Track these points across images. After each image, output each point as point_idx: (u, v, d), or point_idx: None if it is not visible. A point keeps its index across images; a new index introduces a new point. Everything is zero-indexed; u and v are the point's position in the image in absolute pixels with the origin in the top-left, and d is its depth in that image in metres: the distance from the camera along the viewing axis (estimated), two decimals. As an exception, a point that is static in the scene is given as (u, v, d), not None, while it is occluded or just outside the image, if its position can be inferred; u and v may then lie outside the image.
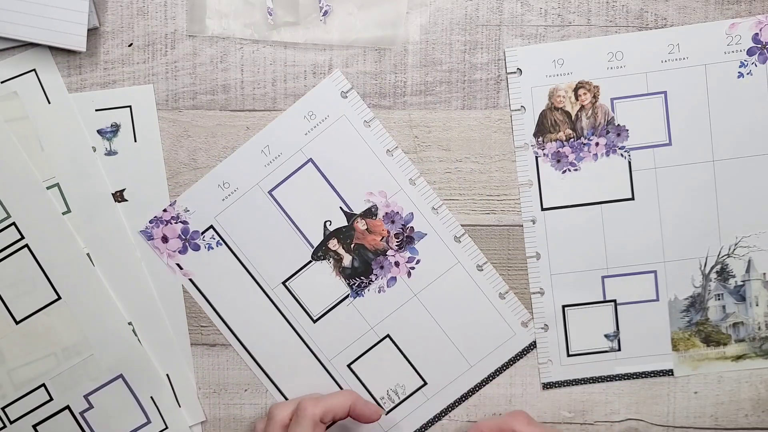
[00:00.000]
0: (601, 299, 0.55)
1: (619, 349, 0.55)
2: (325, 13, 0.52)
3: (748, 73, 0.53)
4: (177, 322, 0.55)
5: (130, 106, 0.54)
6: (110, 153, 0.54)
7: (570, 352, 0.55)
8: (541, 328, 0.55)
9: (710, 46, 0.53)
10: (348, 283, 0.55)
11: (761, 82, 0.53)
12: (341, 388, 0.56)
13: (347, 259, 0.55)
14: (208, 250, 0.55)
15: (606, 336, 0.55)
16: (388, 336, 0.55)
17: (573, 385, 0.56)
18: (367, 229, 0.54)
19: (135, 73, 0.54)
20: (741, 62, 0.53)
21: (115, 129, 0.54)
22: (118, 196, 0.54)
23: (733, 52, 0.53)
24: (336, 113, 0.54)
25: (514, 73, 0.54)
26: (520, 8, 0.53)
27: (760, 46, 0.53)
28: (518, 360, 0.55)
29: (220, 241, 0.54)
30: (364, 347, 0.55)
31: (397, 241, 0.54)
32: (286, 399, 0.56)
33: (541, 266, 0.55)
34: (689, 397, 0.56)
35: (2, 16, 0.50)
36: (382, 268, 0.55)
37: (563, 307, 0.55)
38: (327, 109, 0.54)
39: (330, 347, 0.55)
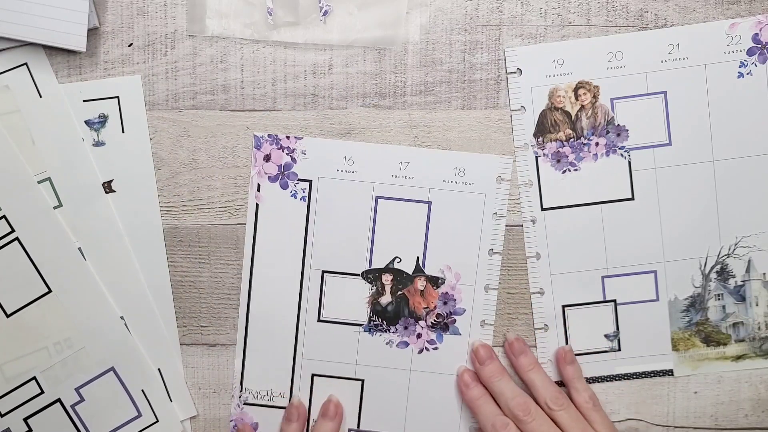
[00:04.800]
0: (601, 299, 0.55)
1: (619, 349, 0.55)
2: (325, 13, 0.52)
3: (748, 73, 0.53)
4: (168, 317, 0.55)
5: (117, 97, 0.54)
6: (98, 144, 0.54)
7: (570, 352, 0.55)
8: (541, 328, 0.55)
9: (710, 46, 0.53)
10: (370, 317, 0.55)
11: (761, 82, 0.53)
12: (291, 394, 0.55)
13: (385, 299, 0.54)
14: (292, 196, 0.54)
15: (606, 336, 0.55)
16: (362, 381, 0.55)
17: (573, 385, 0.56)
18: (421, 291, 0.54)
19: (135, 73, 0.54)
20: (741, 62, 0.53)
21: (103, 120, 0.54)
22: (107, 187, 0.54)
23: (733, 52, 0.53)
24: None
25: (514, 73, 0.54)
26: (520, 8, 0.53)
27: (760, 46, 0.53)
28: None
29: (306, 197, 0.54)
30: (338, 373, 0.55)
31: (434, 320, 0.54)
32: (244, 366, 0.55)
33: (541, 266, 0.55)
34: (689, 397, 0.56)
35: (2, 16, 0.50)
36: (405, 328, 0.54)
37: (563, 307, 0.55)
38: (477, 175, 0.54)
39: (312, 351, 0.55)
